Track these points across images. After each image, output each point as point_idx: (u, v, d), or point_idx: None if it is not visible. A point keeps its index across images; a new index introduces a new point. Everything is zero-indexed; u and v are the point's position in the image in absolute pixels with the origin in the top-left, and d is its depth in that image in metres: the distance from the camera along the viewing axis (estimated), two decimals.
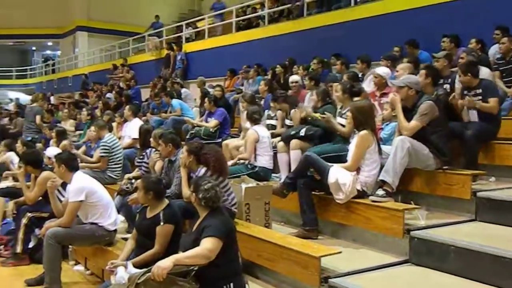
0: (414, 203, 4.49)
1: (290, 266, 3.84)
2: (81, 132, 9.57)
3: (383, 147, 4.77)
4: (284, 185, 4.91)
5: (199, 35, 16.27)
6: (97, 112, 11.15)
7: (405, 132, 4.58)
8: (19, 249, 5.54)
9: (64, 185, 5.24)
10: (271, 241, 4.10)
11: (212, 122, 7.97)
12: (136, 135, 7.47)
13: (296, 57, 10.33)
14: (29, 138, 8.85)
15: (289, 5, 12.48)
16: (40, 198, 5.63)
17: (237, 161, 6.08)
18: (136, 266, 3.66)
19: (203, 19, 16.51)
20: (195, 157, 4.59)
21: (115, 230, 5.01)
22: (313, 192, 4.73)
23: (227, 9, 14.89)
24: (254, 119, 6.17)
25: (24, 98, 24.52)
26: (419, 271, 3.83)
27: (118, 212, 5.20)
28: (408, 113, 4.66)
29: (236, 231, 3.65)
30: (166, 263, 3.14)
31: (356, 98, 5.61)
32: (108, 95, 15.01)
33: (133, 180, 5.92)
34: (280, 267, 3.99)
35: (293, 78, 8.12)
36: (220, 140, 7.57)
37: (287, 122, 6.66)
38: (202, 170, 4.51)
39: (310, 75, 8.02)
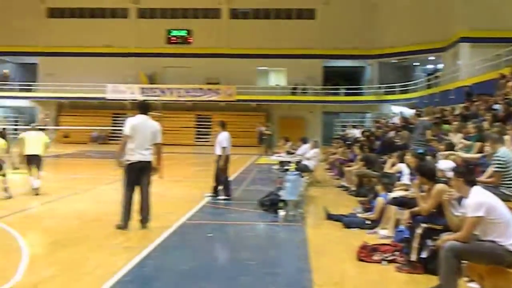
0: None
1: None
2: (469, 143, 9.32)
3: None
4: None
5: None
6: (485, 124, 10.66)
7: None
8: (413, 257, 5.76)
9: (459, 199, 5.20)
10: None
11: None
12: None
13: None
14: (420, 151, 9.11)
15: None
16: (434, 210, 5.73)
17: None
18: None
19: None
20: None
21: None
22: None
23: None
24: None
25: (407, 112, 25.60)
26: None
27: None
28: None
29: None
30: None
31: None
32: (496, 106, 14.19)
33: None
34: None
35: None
36: None
37: None
38: None
39: None
